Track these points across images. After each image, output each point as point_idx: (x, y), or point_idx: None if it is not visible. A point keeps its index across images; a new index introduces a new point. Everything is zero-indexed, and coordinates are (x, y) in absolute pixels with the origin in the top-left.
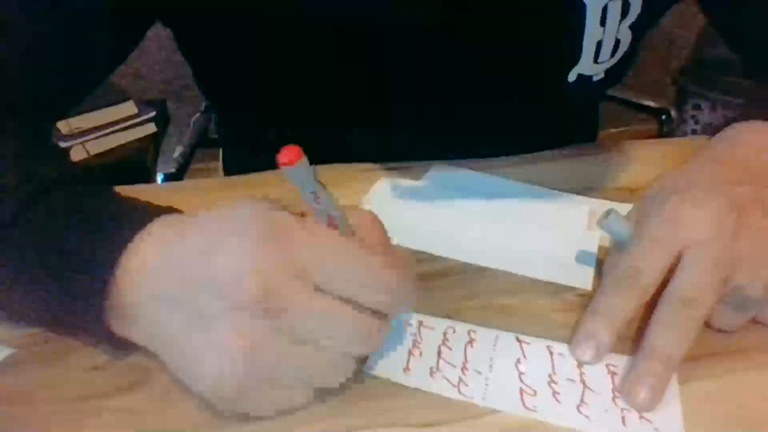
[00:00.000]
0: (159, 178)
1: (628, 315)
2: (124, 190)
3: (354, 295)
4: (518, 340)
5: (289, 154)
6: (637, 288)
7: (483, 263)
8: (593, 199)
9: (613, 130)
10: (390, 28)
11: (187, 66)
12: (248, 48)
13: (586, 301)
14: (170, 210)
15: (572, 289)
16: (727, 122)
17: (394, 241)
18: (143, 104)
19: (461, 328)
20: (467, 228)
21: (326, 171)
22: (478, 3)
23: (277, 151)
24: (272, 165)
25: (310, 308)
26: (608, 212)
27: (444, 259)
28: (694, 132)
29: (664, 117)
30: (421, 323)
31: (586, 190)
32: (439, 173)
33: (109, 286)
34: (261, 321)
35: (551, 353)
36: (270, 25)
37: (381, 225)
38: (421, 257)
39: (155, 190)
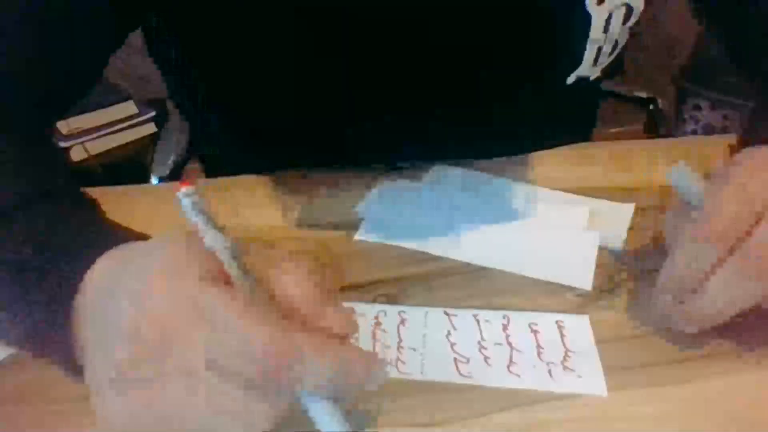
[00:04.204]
0: (154, 181)
1: (706, 269)
2: (124, 190)
3: (233, 368)
4: (446, 313)
5: (184, 183)
6: (718, 238)
7: (483, 263)
8: (593, 199)
9: (612, 130)
10: (391, 21)
11: None
12: (237, 48)
13: (586, 301)
14: (127, 237)
15: (572, 289)
16: (727, 122)
17: (394, 241)
18: (143, 104)
19: (392, 310)
20: (467, 228)
21: (326, 172)
22: (466, 3)
23: (284, 146)
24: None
25: (185, 384)
26: (677, 167)
27: (444, 259)
28: (694, 132)
29: (651, 107)
30: (353, 310)
31: (586, 190)
32: (439, 173)
33: (69, 319)
34: (137, 394)
35: (478, 321)
36: (256, 18)
37: (308, 283)
38: (421, 257)
39: (155, 190)
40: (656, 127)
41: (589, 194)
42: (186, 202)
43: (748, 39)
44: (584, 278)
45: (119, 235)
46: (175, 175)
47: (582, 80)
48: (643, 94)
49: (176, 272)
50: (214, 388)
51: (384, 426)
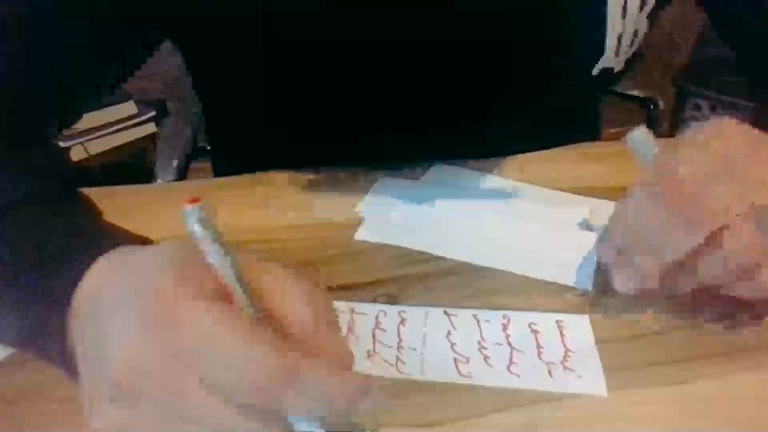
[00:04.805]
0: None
1: (654, 221)
2: (124, 190)
3: (229, 389)
4: (446, 313)
5: (192, 199)
6: (665, 192)
7: (483, 263)
8: (593, 199)
9: (612, 130)
10: (399, 22)
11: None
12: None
13: (586, 301)
14: (124, 239)
15: (572, 289)
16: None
17: (395, 241)
18: (143, 104)
19: (392, 310)
20: (467, 228)
21: (326, 172)
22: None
23: (271, 150)
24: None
25: (184, 400)
26: (637, 131)
27: (444, 259)
28: None
29: (652, 107)
30: (353, 310)
31: (586, 190)
32: (439, 173)
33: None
34: (135, 406)
35: (478, 321)
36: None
37: (310, 308)
38: (421, 257)
39: (155, 190)
40: (656, 127)
41: (589, 194)
42: (192, 218)
43: (758, 43)
44: (584, 278)
45: (116, 237)
46: (182, 176)
47: (607, 72)
48: (643, 94)
49: (178, 286)
50: (210, 406)
51: (384, 426)
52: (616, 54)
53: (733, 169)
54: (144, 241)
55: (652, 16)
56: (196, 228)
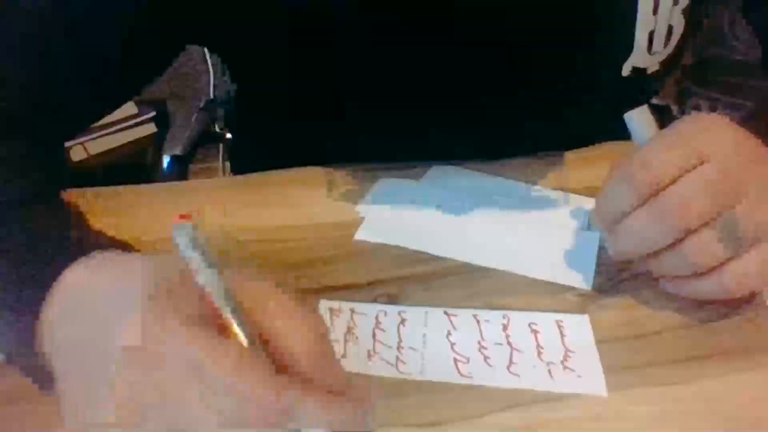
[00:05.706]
0: (165, 161)
1: (626, 208)
2: (124, 190)
3: (222, 421)
4: (446, 313)
5: (182, 216)
6: (641, 180)
7: (483, 263)
8: (593, 199)
9: None
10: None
11: (187, 66)
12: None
13: (586, 301)
14: (107, 245)
15: (572, 289)
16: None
17: (394, 241)
18: (143, 104)
19: (392, 310)
20: (467, 228)
21: (326, 172)
22: None
23: (285, 144)
24: (281, 159)
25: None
26: (637, 110)
27: (444, 259)
28: None
29: (666, 115)
30: (353, 310)
31: (586, 190)
32: (439, 173)
33: (36, 327)
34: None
35: (478, 321)
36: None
37: (309, 334)
38: (421, 257)
39: (155, 190)
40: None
41: (589, 194)
42: (182, 238)
43: None
44: (584, 278)
45: (92, 242)
46: (189, 155)
47: (639, 73)
48: (657, 102)
49: (163, 315)
50: None
51: (384, 426)
52: (649, 52)
53: (724, 171)
54: (119, 246)
55: (689, 14)
56: (185, 247)
